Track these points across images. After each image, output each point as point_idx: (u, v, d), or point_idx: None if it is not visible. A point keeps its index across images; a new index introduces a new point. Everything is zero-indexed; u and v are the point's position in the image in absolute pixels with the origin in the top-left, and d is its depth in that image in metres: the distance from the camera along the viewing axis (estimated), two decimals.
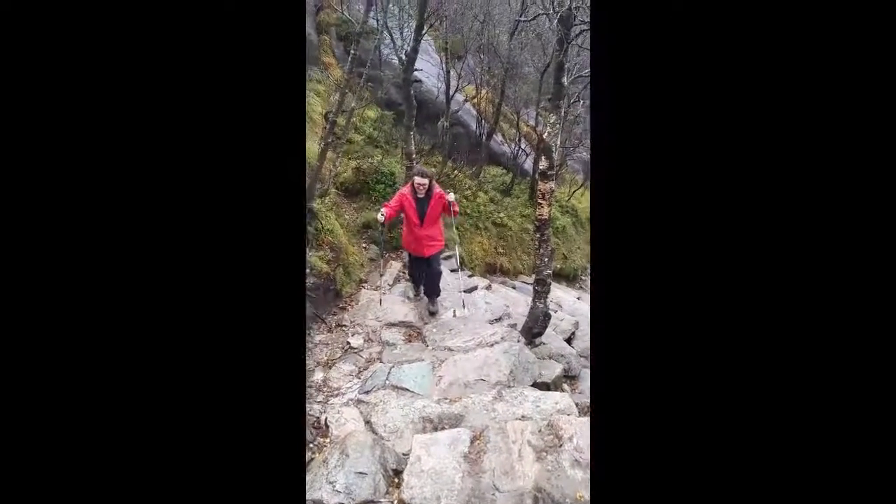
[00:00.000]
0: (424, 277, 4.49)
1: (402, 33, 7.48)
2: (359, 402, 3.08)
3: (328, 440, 2.69)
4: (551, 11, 3.15)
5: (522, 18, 6.27)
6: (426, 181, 4.05)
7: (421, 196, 4.07)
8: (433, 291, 4.55)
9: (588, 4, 3.26)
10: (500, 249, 7.87)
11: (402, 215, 4.24)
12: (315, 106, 7.03)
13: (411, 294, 4.75)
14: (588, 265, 9.13)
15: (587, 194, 10.43)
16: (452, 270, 5.37)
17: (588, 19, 3.13)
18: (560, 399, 2.91)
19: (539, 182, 3.68)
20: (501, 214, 8.13)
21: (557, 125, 3.49)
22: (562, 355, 4.04)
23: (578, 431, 2.41)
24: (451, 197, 4.04)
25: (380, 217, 3.96)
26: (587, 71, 5.67)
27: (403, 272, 5.22)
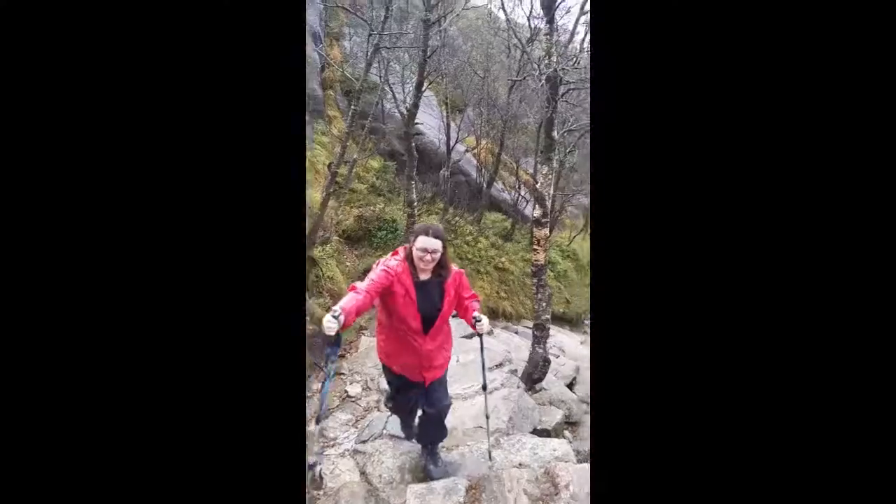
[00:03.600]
0: (421, 415, 2.51)
1: (403, 88, 7.87)
2: (355, 452, 3.05)
3: (322, 493, 2.65)
4: (538, 73, 3.36)
5: (517, 78, 6.61)
6: (438, 247, 2.05)
7: (425, 277, 2.10)
8: (437, 436, 2.58)
9: (579, 65, 3.48)
10: (503, 294, 7.91)
11: (378, 307, 2.18)
12: (319, 156, 7.30)
13: (398, 432, 2.96)
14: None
15: (588, 239, 10.58)
16: (453, 316, 5.37)
17: (574, 79, 3.34)
18: (558, 446, 2.88)
19: (534, 229, 3.78)
20: (503, 259, 8.23)
21: (550, 175, 3.63)
22: (562, 401, 4.00)
23: (575, 479, 2.38)
24: (477, 313, 2.26)
25: (329, 324, 1.65)
26: (582, 122, 5.92)
27: None
